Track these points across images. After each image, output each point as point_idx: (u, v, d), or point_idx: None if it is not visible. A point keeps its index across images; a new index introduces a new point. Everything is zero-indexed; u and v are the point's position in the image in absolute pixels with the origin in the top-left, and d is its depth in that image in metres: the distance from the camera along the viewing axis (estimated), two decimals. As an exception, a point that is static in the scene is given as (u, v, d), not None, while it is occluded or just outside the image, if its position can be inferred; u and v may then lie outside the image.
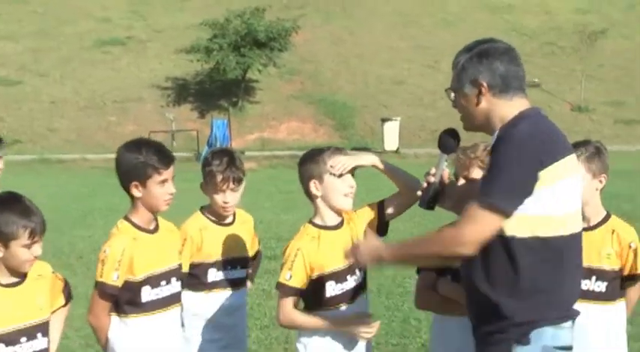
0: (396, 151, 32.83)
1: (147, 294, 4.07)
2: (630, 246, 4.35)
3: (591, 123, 39.74)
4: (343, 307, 4.09)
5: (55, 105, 40.41)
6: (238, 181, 4.70)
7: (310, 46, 44.38)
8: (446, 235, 3.34)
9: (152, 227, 4.19)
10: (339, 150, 4.15)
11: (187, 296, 4.65)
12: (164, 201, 4.11)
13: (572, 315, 3.42)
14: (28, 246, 3.57)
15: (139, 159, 4.00)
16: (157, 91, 41.14)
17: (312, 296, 4.06)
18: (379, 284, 10.11)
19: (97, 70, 43.35)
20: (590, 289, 4.33)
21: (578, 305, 3.60)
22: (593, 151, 4.43)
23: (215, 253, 4.68)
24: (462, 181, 4.12)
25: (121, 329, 4.07)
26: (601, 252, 4.35)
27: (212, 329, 4.68)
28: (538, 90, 42.09)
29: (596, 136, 37.52)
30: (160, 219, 4.23)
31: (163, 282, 4.17)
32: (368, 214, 4.27)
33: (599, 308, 4.34)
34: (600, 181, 4.41)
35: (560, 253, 3.33)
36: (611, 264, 4.36)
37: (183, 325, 4.74)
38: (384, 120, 34.13)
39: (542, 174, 3.21)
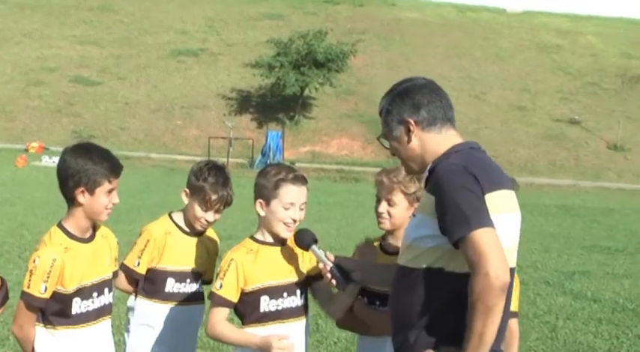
0: (437, 173, 32.10)
1: (77, 306, 3.52)
2: None
3: (625, 162, 38.46)
4: (278, 326, 3.60)
5: (128, 106, 40.55)
6: (228, 204, 4.14)
7: (368, 69, 43.92)
8: (479, 291, 2.76)
9: (87, 235, 3.64)
10: (296, 180, 3.59)
11: (141, 303, 4.10)
12: (106, 211, 3.58)
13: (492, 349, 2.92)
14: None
15: (90, 165, 3.47)
16: (221, 101, 41.05)
17: (246, 310, 3.61)
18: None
19: (170, 77, 43.45)
20: None
21: None
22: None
23: (176, 262, 4.10)
24: (383, 204, 3.82)
25: (48, 340, 3.52)
26: None
27: (158, 343, 4.11)
28: (578, 127, 41.05)
29: (627, 174, 36.64)
30: (98, 225, 3.72)
31: (95, 294, 3.60)
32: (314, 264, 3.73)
33: None
34: None
35: None
36: None
37: (127, 331, 4.18)
38: (427, 144, 33.43)
39: (487, 200, 2.89)
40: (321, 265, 3.45)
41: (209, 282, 4.28)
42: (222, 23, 51.15)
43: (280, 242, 3.66)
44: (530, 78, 46.06)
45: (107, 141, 36.63)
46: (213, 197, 4.03)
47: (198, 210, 4.07)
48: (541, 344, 7.53)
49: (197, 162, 4.25)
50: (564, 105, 43.30)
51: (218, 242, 4.36)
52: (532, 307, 9.04)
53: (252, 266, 3.56)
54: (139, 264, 4.08)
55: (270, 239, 3.64)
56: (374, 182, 3.93)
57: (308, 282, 3.74)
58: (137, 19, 50.89)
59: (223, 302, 3.54)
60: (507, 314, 3.04)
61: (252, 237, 3.67)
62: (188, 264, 4.15)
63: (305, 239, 3.52)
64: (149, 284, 4.09)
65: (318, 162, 34.68)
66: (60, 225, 3.58)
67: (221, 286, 3.53)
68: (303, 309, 3.70)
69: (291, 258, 3.66)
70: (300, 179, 3.62)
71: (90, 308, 3.61)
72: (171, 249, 4.10)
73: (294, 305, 3.65)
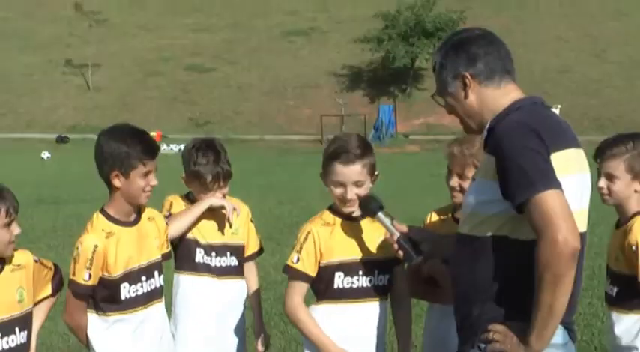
0: (557, 138, 31.12)
1: (126, 291, 3.41)
2: (633, 248, 3.43)
3: None
4: (352, 305, 3.40)
5: (241, 90, 41.19)
6: (229, 177, 3.93)
7: (479, 36, 42.92)
8: (547, 259, 2.54)
9: (131, 219, 3.52)
10: (345, 160, 3.32)
11: (176, 279, 3.94)
12: (145, 194, 3.46)
13: (565, 322, 2.68)
14: (7, 225, 3.15)
15: (123, 149, 3.36)
16: (332, 78, 41.11)
17: (320, 285, 3.42)
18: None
19: (281, 58, 43.81)
20: (607, 292, 3.66)
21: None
22: None
23: (202, 234, 3.92)
24: (455, 178, 3.49)
25: (100, 327, 3.42)
26: (613, 253, 3.58)
27: (199, 321, 3.94)
28: None
29: None
30: (145, 207, 3.62)
31: (144, 277, 3.45)
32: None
33: (613, 315, 3.61)
34: None
35: None
36: (619, 267, 3.54)
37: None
38: (545, 108, 32.47)
39: (553, 159, 2.61)
40: (387, 234, 3.18)
41: (256, 253, 4.13)
42: (330, 1, 51.11)
43: (358, 216, 3.42)
44: (654, 32, 43.86)
45: (223, 126, 37.36)
46: (209, 178, 3.83)
47: (202, 195, 3.90)
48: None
49: (186, 145, 4.01)
50: (693, 58, 41.04)
51: (245, 206, 4.08)
52: None
53: (329, 239, 3.36)
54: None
55: (345, 211, 3.42)
56: (446, 153, 3.66)
57: (392, 263, 3.47)
58: (247, 4, 51.52)
59: (301, 276, 3.36)
60: (579, 283, 2.77)
61: (330, 208, 3.46)
62: (215, 237, 3.95)
63: (370, 205, 3.25)
64: (179, 256, 3.93)
65: (433, 133, 34.19)
66: (102, 210, 3.48)
67: (298, 259, 3.35)
68: (382, 290, 3.45)
69: (371, 235, 3.42)
70: (349, 159, 3.31)
71: (139, 293, 3.48)
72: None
73: (370, 285, 3.41)
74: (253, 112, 38.93)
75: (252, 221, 4.12)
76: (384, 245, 3.39)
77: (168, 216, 3.88)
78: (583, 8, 46.91)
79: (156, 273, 3.56)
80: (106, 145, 3.37)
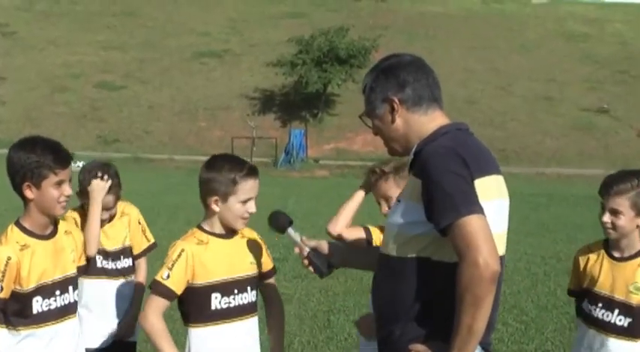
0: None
1: (38, 305, 3.35)
2: None
3: (657, 150, 37.85)
4: (227, 325, 3.41)
5: (152, 109, 40.70)
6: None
7: (391, 64, 43.65)
8: (468, 281, 2.58)
9: (48, 231, 3.44)
10: (252, 173, 3.39)
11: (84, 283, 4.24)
12: (59, 205, 3.37)
13: (483, 343, 2.73)
14: None
15: (33, 159, 3.28)
16: (244, 101, 41.07)
17: (194, 308, 3.41)
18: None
19: (193, 79, 43.56)
20: (612, 322, 3.77)
21: (596, 335, 3.72)
22: None
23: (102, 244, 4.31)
24: (384, 206, 3.75)
25: (10, 341, 3.33)
26: (628, 285, 3.73)
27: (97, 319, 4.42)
28: (606, 116, 40.45)
29: (658, 162, 35.97)
30: (61, 220, 3.54)
31: (57, 292, 3.40)
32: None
33: (618, 344, 3.76)
34: None
35: None
36: (635, 300, 3.72)
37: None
38: (453, 137, 33.24)
39: (477, 185, 2.69)
40: (297, 250, 3.22)
41: (145, 250, 4.59)
42: (244, 24, 51.19)
43: (230, 234, 3.47)
44: (557, 68, 45.51)
45: (132, 144, 36.80)
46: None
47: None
48: (559, 335, 7.28)
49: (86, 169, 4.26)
50: (592, 94, 42.71)
51: (134, 210, 4.57)
52: (552, 298, 8.76)
53: (203, 259, 3.37)
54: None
55: (219, 230, 3.44)
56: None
57: (262, 277, 3.58)
58: (160, 23, 51.13)
59: (167, 293, 3.33)
60: (498, 304, 2.81)
61: (201, 227, 3.47)
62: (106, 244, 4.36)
63: (281, 221, 3.26)
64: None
65: (342, 158, 34.50)
66: (17, 223, 3.41)
67: (168, 276, 3.33)
68: (254, 305, 3.51)
69: (242, 252, 3.48)
70: (255, 171, 3.41)
71: (52, 307, 3.41)
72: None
73: (245, 303, 3.46)
74: (163, 132, 38.49)
75: (139, 222, 4.57)
76: (256, 261, 3.51)
77: None
78: (490, 42, 48.38)
79: (70, 288, 3.49)
80: (16, 157, 3.32)
